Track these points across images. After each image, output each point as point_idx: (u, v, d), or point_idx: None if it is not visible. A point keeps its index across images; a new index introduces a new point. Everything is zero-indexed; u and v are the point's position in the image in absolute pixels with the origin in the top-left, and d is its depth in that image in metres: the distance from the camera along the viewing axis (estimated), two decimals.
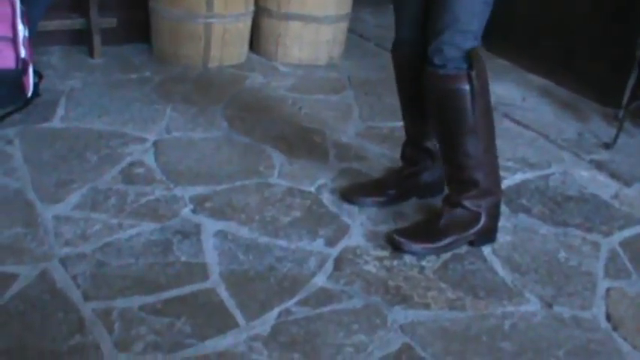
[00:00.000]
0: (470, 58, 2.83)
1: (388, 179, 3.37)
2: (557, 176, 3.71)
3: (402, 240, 2.98)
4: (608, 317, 2.72)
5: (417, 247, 2.98)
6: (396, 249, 2.97)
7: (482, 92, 2.88)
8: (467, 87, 2.84)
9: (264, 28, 4.91)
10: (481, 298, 2.75)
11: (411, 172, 3.31)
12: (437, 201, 3.27)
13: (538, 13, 5.05)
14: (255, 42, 4.99)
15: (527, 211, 3.36)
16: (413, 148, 3.30)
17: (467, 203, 3.02)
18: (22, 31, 3.71)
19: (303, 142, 3.77)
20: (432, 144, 3.24)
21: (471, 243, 3.06)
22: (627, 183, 3.70)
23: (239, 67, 4.76)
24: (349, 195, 3.29)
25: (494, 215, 3.10)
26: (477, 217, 3.04)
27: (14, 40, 3.67)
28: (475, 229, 3.04)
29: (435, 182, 3.33)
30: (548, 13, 4.95)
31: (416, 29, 3.00)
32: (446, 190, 3.16)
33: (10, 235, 2.79)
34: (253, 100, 4.24)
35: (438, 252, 2.99)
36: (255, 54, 4.98)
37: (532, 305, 2.74)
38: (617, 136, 4.06)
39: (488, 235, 3.10)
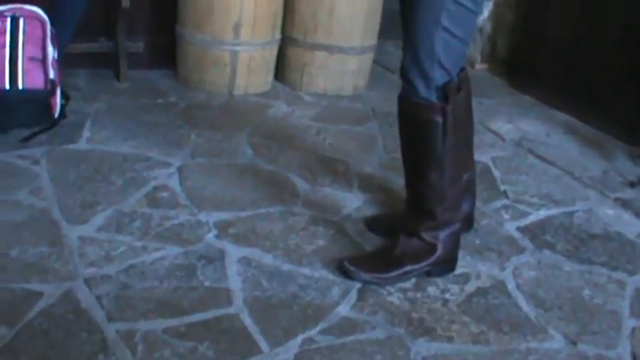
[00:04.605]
0: (445, 92, 2.76)
1: None
2: (581, 214, 3.69)
3: (351, 268, 2.91)
4: (634, 357, 2.69)
5: (367, 276, 2.90)
6: (346, 277, 2.91)
7: (455, 127, 2.83)
8: (440, 120, 2.78)
9: (289, 57, 4.93)
10: (505, 332, 2.73)
11: None
12: None
13: (563, 50, 5.05)
14: (280, 71, 5.00)
15: (552, 247, 3.34)
16: None
17: (423, 234, 2.96)
18: (51, 52, 3.74)
19: (327, 172, 3.77)
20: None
21: (428, 273, 2.99)
22: None
23: (264, 95, 4.77)
24: (373, 225, 3.28)
25: (452, 246, 3.03)
26: (433, 248, 2.97)
27: (44, 62, 3.70)
28: (430, 260, 2.96)
29: (465, 217, 3.24)
30: (574, 50, 4.95)
31: None
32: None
33: (36, 254, 2.80)
34: (277, 129, 4.25)
35: (387, 282, 2.92)
36: (279, 83, 4.98)
37: (556, 342, 2.72)
38: None
39: (447, 264, 3.04)
